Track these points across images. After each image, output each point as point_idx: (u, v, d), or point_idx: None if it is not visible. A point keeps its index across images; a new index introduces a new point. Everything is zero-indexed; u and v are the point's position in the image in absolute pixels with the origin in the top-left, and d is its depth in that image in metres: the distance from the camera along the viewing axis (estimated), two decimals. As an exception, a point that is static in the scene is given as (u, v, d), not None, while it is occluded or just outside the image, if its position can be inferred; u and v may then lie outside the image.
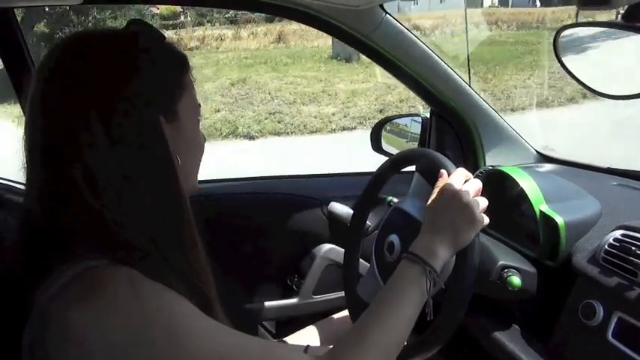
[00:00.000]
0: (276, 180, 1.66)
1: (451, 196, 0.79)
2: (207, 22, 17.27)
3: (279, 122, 7.68)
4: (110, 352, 0.51)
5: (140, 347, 0.52)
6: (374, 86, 8.55)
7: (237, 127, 7.54)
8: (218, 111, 8.25)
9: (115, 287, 0.53)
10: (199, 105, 0.70)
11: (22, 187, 0.64)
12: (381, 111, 7.55)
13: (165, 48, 0.67)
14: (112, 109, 0.58)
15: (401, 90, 7.71)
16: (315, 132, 7.37)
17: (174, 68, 0.66)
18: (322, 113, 7.85)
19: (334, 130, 7.37)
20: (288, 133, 7.43)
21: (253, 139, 7.32)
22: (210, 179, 1.51)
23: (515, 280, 0.89)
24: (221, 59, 11.44)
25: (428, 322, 0.79)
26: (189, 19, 17.12)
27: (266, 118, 7.81)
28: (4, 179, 1.35)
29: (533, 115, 7.07)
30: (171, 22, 15.83)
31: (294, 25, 12.65)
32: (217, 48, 13.36)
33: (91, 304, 0.52)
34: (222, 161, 5.68)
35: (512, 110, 7.31)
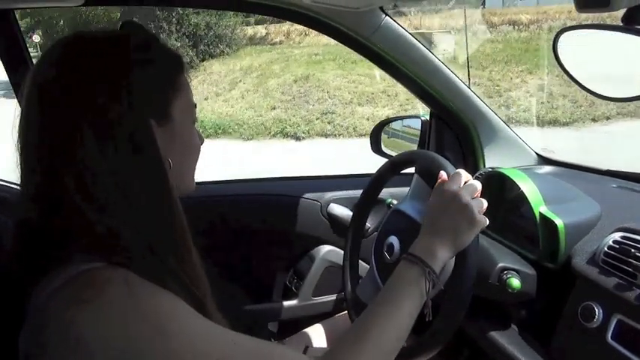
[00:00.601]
0: (276, 181, 1.66)
1: (450, 197, 0.79)
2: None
3: (329, 123, 7.39)
4: (108, 352, 0.51)
5: (136, 346, 0.52)
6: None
7: (286, 127, 7.31)
8: (274, 108, 8.03)
9: (111, 287, 0.53)
10: (195, 105, 0.70)
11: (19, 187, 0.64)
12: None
13: (159, 49, 0.67)
14: (104, 110, 0.58)
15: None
16: (364, 135, 7.00)
17: (167, 69, 0.66)
18: (376, 115, 7.43)
19: (383, 133, 7.16)
20: (335, 135, 7.17)
21: (299, 139, 7.12)
22: (210, 180, 1.51)
23: (515, 282, 0.89)
24: (293, 55, 10.86)
25: (427, 324, 0.79)
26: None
27: (317, 118, 7.55)
28: (4, 180, 1.34)
29: (618, 127, 6.46)
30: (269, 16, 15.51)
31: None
32: (299, 43, 12.67)
33: (88, 305, 0.52)
34: (272, 157, 5.73)
35: (594, 120, 6.78)
